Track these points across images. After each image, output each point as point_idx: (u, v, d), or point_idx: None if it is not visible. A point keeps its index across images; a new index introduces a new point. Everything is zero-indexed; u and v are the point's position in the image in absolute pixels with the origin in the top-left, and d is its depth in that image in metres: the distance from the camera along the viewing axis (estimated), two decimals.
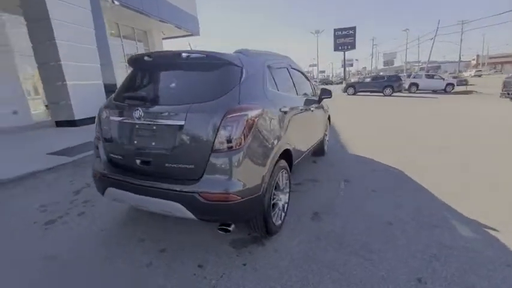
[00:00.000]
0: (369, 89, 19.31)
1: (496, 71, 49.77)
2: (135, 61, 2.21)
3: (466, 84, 21.57)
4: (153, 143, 1.83)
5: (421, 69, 40.58)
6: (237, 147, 1.69)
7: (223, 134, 1.67)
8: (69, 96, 7.64)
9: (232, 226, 1.86)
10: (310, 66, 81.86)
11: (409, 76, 21.67)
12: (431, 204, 2.70)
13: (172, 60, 2.05)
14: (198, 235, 2.26)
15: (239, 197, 1.70)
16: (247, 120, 1.73)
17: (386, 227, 2.33)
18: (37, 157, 4.62)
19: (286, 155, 2.33)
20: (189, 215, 1.74)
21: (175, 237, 2.25)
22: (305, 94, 3.37)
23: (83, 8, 8.01)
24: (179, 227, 2.38)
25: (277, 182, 2.12)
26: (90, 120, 7.85)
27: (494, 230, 2.22)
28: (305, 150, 3.00)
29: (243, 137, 1.70)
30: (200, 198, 1.66)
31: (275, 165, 2.02)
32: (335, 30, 32.10)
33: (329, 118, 4.62)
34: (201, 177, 1.70)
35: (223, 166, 1.69)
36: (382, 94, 18.34)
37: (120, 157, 1.99)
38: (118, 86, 2.86)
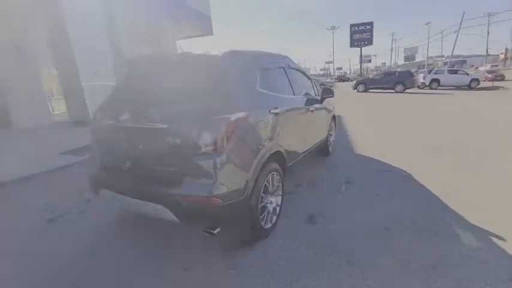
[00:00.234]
0: (380, 85, 18.81)
1: None
2: (128, 63, 2.25)
3: (502, 80, 20.33)
4: (139, 146, 1.85)
5: (445, 64, 38.61)
6: (218, 150, 1.67)
7: (204, 137, 1.66)
8: (84, 96, 7.96)
9: (217, 229, 1.85)
10: (326, 63, 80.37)
11: (430, 72, 20.70)
12: (436, 210, 2.55)
13: (159, 63, 2.07)
14: (188, 237, 2.26)
15: (221, 200, 1.68)
16: (228, 124, 1.70)
17: (383, 232, 2.23)
18: (50, 156, 4.84)
19: (278, 157, 2.28)
20: (173, 217, 1.74)
21: (167, 239, 2.26)
22: (306, 94, 3.29)
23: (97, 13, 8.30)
24: (171, 228, 2.39)
25: (265, 185, 2.08)
26: None
27: (501, 239, 2.06)
28: (302, 152, 2.93)
29: (224, 140, 1.68)
30: (182, 201, 1.66)
31: (262, 167, 1.98)
32: (351, 25, 31.18)
33: (334, 118, 4.49)
34: (183, 180, 1.70)
35: (204, 169, 1.68)
36: (393, 91, 17.72)
37: (110, 159, 2.03)
38: None
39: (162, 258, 2.03)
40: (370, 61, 70.52)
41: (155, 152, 1.79)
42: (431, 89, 18.83)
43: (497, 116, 7.51)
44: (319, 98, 3.62)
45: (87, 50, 7.92)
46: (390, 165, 3.82)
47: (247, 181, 1.82)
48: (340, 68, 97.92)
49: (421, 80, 19.55)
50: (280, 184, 2.36)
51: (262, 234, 2.14)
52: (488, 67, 32.02)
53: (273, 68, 2.60)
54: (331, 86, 27.26)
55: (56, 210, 2.81)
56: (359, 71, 34.48)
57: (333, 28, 47.96)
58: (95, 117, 2.15)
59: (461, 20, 30.56)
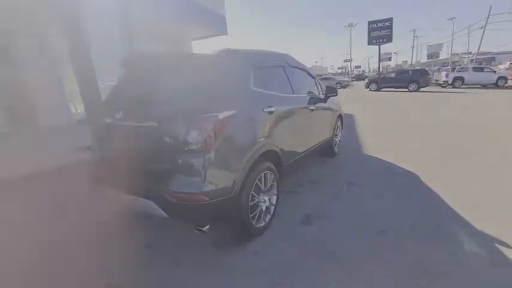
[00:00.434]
0: (393, 84, 18.16)
1: None
2: (124, 63, 2.32)
3: None
4: (132, 143, 1.92)
5: (471, 61, 36.55)
6: (205, 148, 1.69)
7: (191, 135, 1.69)
8: (101, 97, 8.30)
9: (207, 227, 1.87)
10: (344, 61, 78.66)
11: (453, 69, 19.71)
12: (440, 215, 2.43)
13: (153, 62, 2.12)
14: (184, 235, 2.30)
15: (207, 198, 1.70)
16: (216, 122, 1.72)
17: (379, 236, 2.16)
18: (64, 152, 5.08)
19: (272, 156, 2.27)
20: (163, 213, 1.79)
21: (164, 235, 2.32)
22: (307, 93, 3.24)
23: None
24: (168, 225, 2.45)
25: (257, 184, 2.08)
26: None
27: (507, 246, 1.94)
28: (301, 152, 2.89)
29: (211, 139, 1.70)
30: (170, 197, 1.71)
31: (253, 166, 1.98)
32: (369, 22, 30.17)
33: (341, 118, 4.39)
34: (171, 177, 1.74)
35: (191, 167, 1.71)
36: (407, 90, 17.08)
37: (106, 156, 2.12)
38: None
39: (156, 252, 2.09)
40: (390, 59, 68.08)
41: (146, 149, 1.84)
42: (454, 87, 17.92)
43: None
44: (322, 97, 3.56)
45: (103, 52, 8.24)
46: (399, 167, 3.69)
47: (235, 179, 1.84)
48: (359, 67, 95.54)
49: (444, 78, 18.65)
50: (275, 183, 2.36)
51: (255, 232, 2.14)
52: (507, 65, 29.93)
53: (269, 67, 2.59)
54: (347, 85, 26.72)
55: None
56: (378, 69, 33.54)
57: (351, 26, 46.83)
58: (94, 116, 2.25)
59: (488, 15, 28.79)
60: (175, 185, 1.72)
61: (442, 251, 1.92)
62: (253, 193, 2.05)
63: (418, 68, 22.99)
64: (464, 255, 1.88)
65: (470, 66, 19.84)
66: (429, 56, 72.95)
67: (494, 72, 17.67)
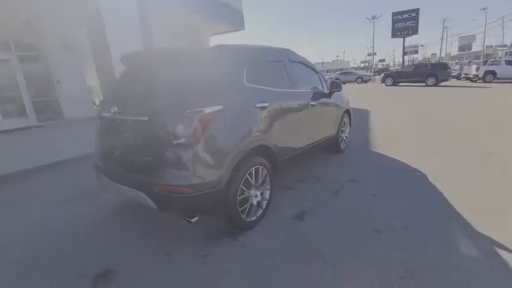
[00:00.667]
0: (410, 78, 17.41)
1: None
2: (122, 60, 2.42)
3: None
4: (125, 137, 2.01)
5: (507, 53, 33.88)
6: (191, 142, 1.74)
7: (177, 129, 1.74)
8: None
9: (195, 218, 1.93)
10: (368, 55, 75.79)
11: (484, 63, 18.39)
12: (441, 217, 2.32)
13: (148, 58, 2.20)
14: (175, 226, 2.38)
15: (192, 190, 1.76)
16: (201, 117, 1.76)
17: (371, 235, 2.11)
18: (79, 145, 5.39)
19: (264, 151, 2.29)
20: (152, 204, 1.87)
21: (163, 225, 2.42)
22: (310, 88, 3.20)
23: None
24: (165, 217, 2.54)
25: (247, 178, 2.11)
26: None
27: (507, 250, 1.83)
28: (299, 147, 2.87)
29: (197, 133, 1.75)
30: (157, 189, 1.78)
31: (242, 160, 2.01)
32: (393, 14, 28.80)
33: (349, 113, 4.28)
34: (159, 169, 1.82)
35: (177, 160, 1.77)
36: (424, 84, 16.25)
37: (105, 148, 2.24)
38: None
39: (148, 242, 2.19)
40: (416, 52, 64.49)
41: (138, 142, 1.93)
42: (484, 82, 16.75)
43: None
44: (326, 92, 3.50)
45: (122, 48, 8.55)
46: (407, 165, 3.56)
47: (221, 173, 1.87)
48: (383, 60, 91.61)
49: (474, 72, 17.50)
50: (268, 178, 2.37)
51: (245, 226, 2.18)
52: None
53: (266, 62, 2.58)
54: (368, 80, 25.78)
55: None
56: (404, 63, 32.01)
57: (374, 18, 44.87)
58: (97, 111, 2.38)
59: None
60: (162, 177, 1.79)
61: (433, 251, 1.85)
62: (243, 187, 2.08)
63: (442, 62, 21.69)
64: (460, 257, 1.80)
65: (503, 59, 18.38)
66: (460, 49, 68.33)
67: None
